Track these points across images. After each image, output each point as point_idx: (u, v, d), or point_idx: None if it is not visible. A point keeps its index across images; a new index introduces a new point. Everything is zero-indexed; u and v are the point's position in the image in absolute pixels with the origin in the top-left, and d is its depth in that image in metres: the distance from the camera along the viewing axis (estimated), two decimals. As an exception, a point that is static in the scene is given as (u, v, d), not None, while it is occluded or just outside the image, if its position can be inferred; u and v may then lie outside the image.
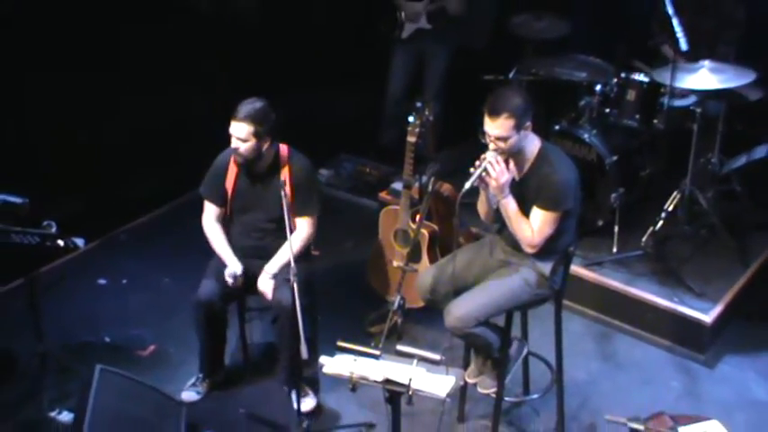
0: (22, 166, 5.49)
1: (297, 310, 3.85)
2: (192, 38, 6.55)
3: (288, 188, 4.35)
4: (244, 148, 4.31)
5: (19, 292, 4.75)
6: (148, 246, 5.86)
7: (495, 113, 3.87)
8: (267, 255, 4.50)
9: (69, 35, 5.86)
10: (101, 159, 5.93)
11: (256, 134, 4.29)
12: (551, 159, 4.01)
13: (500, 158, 3.93)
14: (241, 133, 4.28)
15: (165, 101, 6.31)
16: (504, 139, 3.90)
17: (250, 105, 4.31)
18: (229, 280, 4.42)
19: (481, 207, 4.24)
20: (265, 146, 4.36)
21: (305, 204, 4.40)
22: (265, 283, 4.43)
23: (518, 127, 3.89)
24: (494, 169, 3.92)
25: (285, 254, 4.35)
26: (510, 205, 4.00)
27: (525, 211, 4.03)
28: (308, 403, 4.51)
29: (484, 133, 3.96)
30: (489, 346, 4.12)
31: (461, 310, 4.01)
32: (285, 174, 4.41)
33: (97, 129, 6.05)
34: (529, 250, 4.05)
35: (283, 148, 4.48)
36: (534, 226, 4.00)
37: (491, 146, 3.94)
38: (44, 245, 4.22)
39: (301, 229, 4.45)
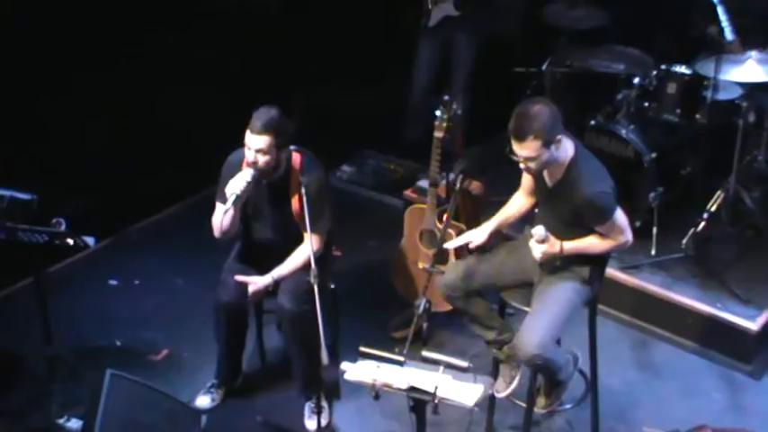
0: (32, 162, 5.51)
1: (318, 314, 3.79)
2: (212, 33, 6.60)
3: (297, 204, 4.29)
4: (263, 161, 4.16)
5: (26, 292, 4.77)
6: (161, 245, 5.87)
7: (520, 137, 3.85)
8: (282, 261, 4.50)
9: (82, 32, 5.89)
10: (112, 156, 5.92)
11: (277, 145, 4.18)
12: (581, 170, 3.98)
13: (540, 250, 4.01)
14: (261, 145, 4.14)
15: (179, 98, 6.32)
16: (534, 159, 3.89)
17: (267, 116, 4.16)
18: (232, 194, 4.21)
19: None
20: (283, 156, 4.28)
21: (314, 221, 4.26)
22: (261, 280, 4.39)
23: (547, 144, 3.87)
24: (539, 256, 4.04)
25: (291, 264, 4.39)
26: (573, 247, 4.03)
27: (567, 217, 4.04)
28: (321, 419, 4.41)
29: (513, 152, 3.94)
30: (560, 369, 4.11)
31: (536, 336, 3.93)
32: (296, 194, 4.31)
33: (109, 125, 6.10)
34: (628, 245, 4.14)
35: (296, 158, 4.36)
36: (610, 238, 4.03)
37: (521, 165, 3.95)
38: (53, 243, 4.17)
39: (307, 245, 4.30)
